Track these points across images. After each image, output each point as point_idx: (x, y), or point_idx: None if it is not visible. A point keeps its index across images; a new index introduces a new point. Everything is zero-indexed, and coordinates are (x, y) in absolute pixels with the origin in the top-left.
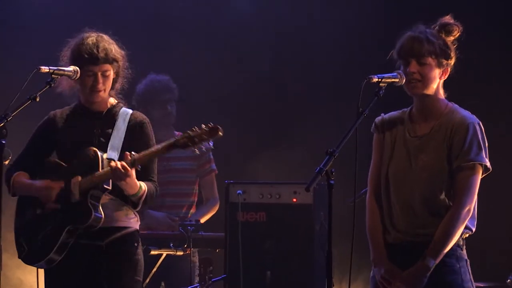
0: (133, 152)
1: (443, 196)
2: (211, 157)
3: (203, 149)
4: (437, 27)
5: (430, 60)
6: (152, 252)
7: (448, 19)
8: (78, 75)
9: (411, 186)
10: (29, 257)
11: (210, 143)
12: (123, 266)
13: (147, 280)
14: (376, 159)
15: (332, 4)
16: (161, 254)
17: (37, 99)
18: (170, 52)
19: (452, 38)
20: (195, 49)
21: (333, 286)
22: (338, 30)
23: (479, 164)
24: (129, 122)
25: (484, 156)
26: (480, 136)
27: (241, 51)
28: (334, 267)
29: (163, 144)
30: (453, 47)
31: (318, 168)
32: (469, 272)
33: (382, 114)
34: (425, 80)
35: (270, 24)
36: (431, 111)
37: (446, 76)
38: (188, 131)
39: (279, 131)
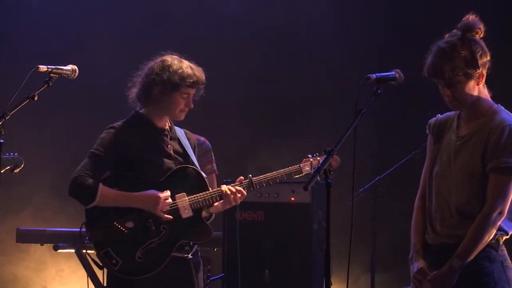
0: (250, 175)
1: (477, 198)
2: (213, 157)
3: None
4: (459, 32)
5: (458, 79)
6: None
7: (469, 19)
8: (76, 74)
9: (448, 187)
10: (128, 270)
11: (207, 143)
12: (200, 275)
13: None
14: (428, 161)
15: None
16: None
17: (36, 98)
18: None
19: (478, 36)
20: (191, 46)
21: (332, 284)
22: (339, 28)
23: None
24: (188, 140)
25: None
26: None
27: (237, 51)
28: (332, 265)
29: (284, 171)
30: (481, 49)
31: (316, 167)
32: (506, 273)
33: (438, 115)
34: (461, 99)
35: (269, 23)
36: (475, 112)
37: (484, 79)
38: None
39: (277, 131)
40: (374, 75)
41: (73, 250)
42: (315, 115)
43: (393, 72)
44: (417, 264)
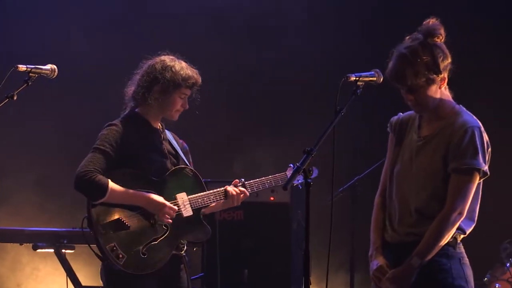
0: (242, 179)
1: (436, 199)
2: (191, 159)
3: None
4: (421, 36)
5: (420, 84)
6: None
7: (429, 23)
8: (55, 74)
9: (409, 187)
10: (132, 265)
11: (185, 145)
12: (189, 272)
13: None
14: (389, 159)
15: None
16: None
17: (15, 98)
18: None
19: (439, 41)
20: (173, 45)
21: (311, 284)
22: (320, 28)
23: (475, 168)
24: (176, 142)
25: (481, 161)
26: (478, 141)
27: (220, 50)
28: (311, 265)
29: (273, 177)
30: (442, 53)
31: (296, 166)
32: (463, 270)
33: (400, 114)
34: (424, 103)
35: (258, 22)
36: (437, 114)
37: (446, 82)
38: None
39: (258, 131)
40: (353, 74)
41: (52, 250)
42: (296, 115)
43: (372, 72)
44: (377, 262)
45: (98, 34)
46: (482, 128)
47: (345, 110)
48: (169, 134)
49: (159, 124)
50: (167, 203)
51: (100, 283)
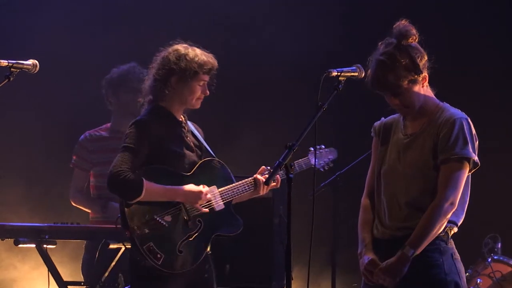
0: (268, 167)
1: (427, 191)
2: None
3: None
4: (394, 40)
5: (404, 87)
6: (111, 246)
7: (400, 26)
8: (37, 69)
9: (397, 181)
10: (170, 264)
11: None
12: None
13: (106, 274)
14: (373, 162)
15: None
16: (120, 248)
17: None
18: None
19: (413, 42)
20: (153, 37)
21: (292, 279)
22: (299, 22)
23: (465, 158)
24: (198, 132)
25: (471, 151)
26: (467, 132)
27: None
28: (293, 260)
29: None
30: (419, 53)
31: (277, 161)
32: (456, 265)
33: (382, 118)
34: (410, 105)
35: (234, 19)
36: (421, 111)
37: (427, 80)
38: None
39: (238, 124)
40: (335, 70)
41: (33, 245)
42: (277, 109)
43: (353, 67)
44: (368, 257)
45: (80, 27)
46: (470, 120)
47: (327, 105)
48: (190, 125)
49: (182, 116)
50: (203, 189)
51: (81, 278)
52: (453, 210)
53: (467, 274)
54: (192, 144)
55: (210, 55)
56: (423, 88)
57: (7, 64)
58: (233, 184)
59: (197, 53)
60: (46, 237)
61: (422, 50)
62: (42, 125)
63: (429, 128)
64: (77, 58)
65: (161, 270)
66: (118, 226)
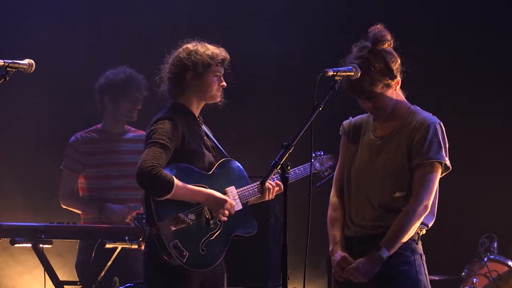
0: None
1: (401, 193)
2: None
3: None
4: (369, 44)
5: (378, 91)
6: (107, 246)
7: (376, 31)
8: (33, 68)
9: (369, 182)
10: (193, 262)
11: None
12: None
13: (102, 274)
14: (342, 160)
15: None
16: (116, 248)
17: None
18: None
19: (387, 47)
20: (142, 38)
21: (289, 279)
22: (297, 20)
23: (438, 162)
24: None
25: (444, 155)
26: (440, 136)
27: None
28: (289, 261)
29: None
30: (393, 57)
31: (273, 161)
32: (423, 266)
33: (350, 118)
34: (383, 108)
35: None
36: (392, 114)
37: (399, 84)
38: None
39: (234, 125)
40: (331, 69)
41: (30, 245)
42: (272, 109)
43: (349, 67)
44: (340, 253)
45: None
46: (441, 124)
47: (323, 105)
48: (205, 127)
49: (199, 116)
50: (228, 199)
51: (76, 278)
52: (427, 212)
53: (463, 274)
54: (209, 143)
55: (222, 49)
56: (395, 92)
57: (3, 63)
58: (251, 185)
59: (207, 47)
60: (42, 236)
61: (395, 54)
62: (36, 124)
63: (402, 131)
64: (77, 58)
65: (184, 268)
66: (134, 224)
